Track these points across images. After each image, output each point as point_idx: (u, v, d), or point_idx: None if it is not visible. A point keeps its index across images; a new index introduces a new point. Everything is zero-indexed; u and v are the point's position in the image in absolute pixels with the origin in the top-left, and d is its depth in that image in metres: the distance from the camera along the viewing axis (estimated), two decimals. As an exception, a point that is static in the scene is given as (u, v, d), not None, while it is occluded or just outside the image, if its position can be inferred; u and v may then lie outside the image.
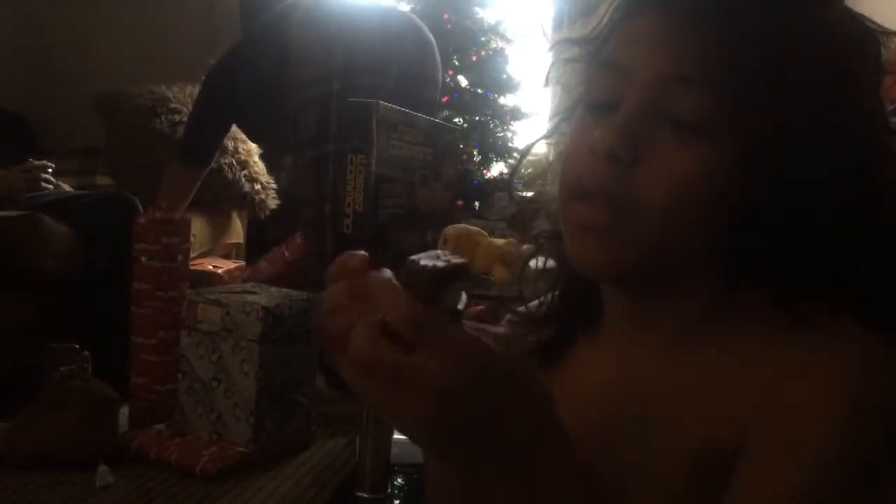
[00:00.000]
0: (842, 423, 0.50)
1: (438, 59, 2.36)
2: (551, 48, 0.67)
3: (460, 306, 0.46)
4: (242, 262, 2.83)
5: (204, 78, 2.45)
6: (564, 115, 0.64)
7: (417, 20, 2.39)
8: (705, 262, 0.58)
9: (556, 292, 0.70)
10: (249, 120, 2.49)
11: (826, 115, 0.54)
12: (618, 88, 0.56)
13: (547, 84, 0.68)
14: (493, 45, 3.69)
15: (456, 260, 0.47)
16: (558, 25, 3.41)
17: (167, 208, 2.16)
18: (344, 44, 2.13)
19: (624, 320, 0.64)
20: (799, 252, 0.54)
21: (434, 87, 2.34)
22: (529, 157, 0.75)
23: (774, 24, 0.53)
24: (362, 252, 0.49)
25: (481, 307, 2.81)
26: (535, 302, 0.72)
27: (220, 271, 2.59)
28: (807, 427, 0.50)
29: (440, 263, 0.46)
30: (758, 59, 0.52)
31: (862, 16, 0.58)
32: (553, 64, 0.66)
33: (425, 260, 0.47)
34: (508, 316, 0.74)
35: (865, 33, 0.57)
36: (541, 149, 0.74)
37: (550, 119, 0.68)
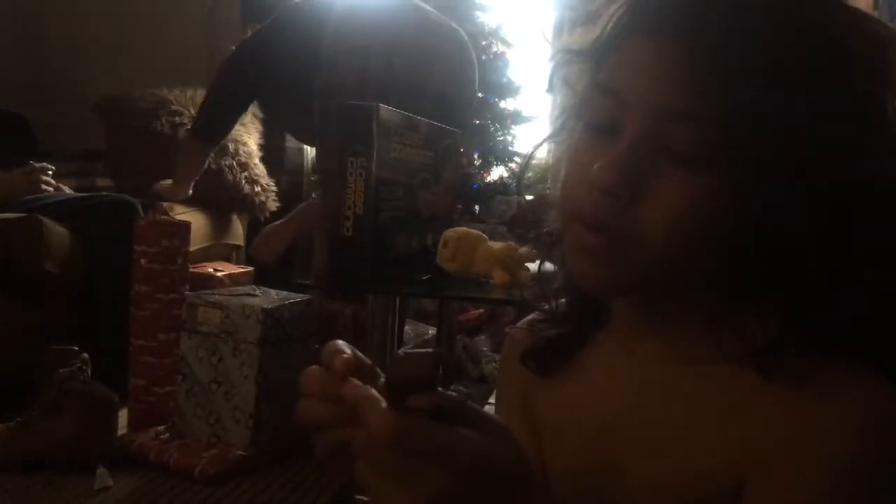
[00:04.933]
0: (844, 473, 0.50)
1: (477, 78, 2.31)
2: (552, 57, 0.66)
3: (443, 400, 0.45)
4: (250, 268, 2.83)
5: (233, 50, 2.41)
6: (569, 114, 0.64)
7: (462, 34, 2.29)
8: (707, 283, 0.58)
9: (567, 292, 0.70)
10: (272, 104, 2.46)
11: (831, 146, 0.52)
12: (617, 114, 0.56)
13: (550, 89, 0.68)
14: (494, 48, 3.69)
15: (430, 360, 0.44)
16: (558, 31, 3.41)
17: (178, 183, 2.17)
18: (383, 59, 2.06)
19: (630, 324, 0.64)
20: (801, 282, 0.53)
21: (467, 108, 2.30)
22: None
23: (775, 51, 0.51)
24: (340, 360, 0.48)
25: (480, 311, 2.80)
26: (554, 303, 0.72)
27: (220, 274, 2.59)
28: (810, 477, 0.51)
29: (413, 368, 0.44)
30: (757, 91, 0.51)
31: (876, 21, 0.57)
32: (555, 68, 0.66)
33: (408, 362, 0.44)
34: (532, 315, 0.74)
35: (878, 44, 0.55)
36: (541, 153, 0.74)
37: (555, 119, 0.67)
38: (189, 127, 2.57)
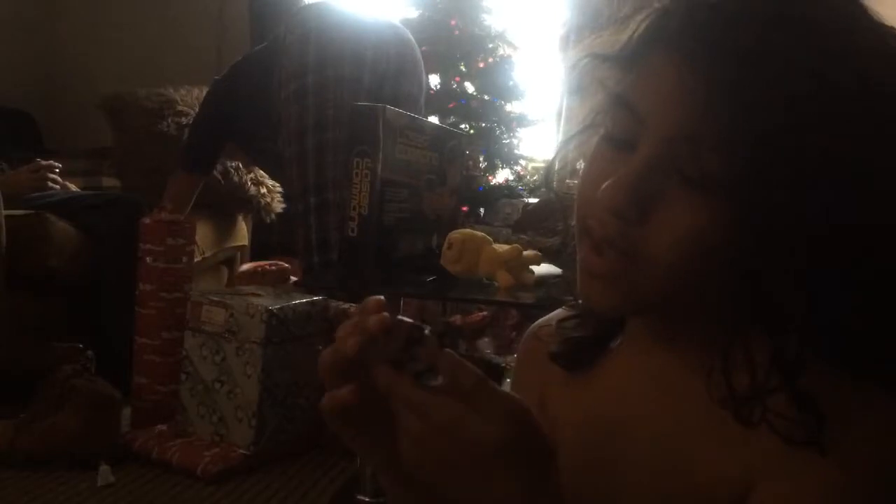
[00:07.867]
0: (845, 492, 0.50)
1: (419, 56, 2.45)
2: (575, 63, 0.65)
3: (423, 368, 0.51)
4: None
5: (206, 93, 2.59)
6: (598, 113, 0.63)
7: (397, 22, 2.49)
8: (713, 305, 0.57)
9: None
10: (245, 137, 2.56)
11: (846, 179, 0.51)
12: (633, 130, 0.55)
13: (573, 93, 0.67)
14: (500, 51, 3.69)
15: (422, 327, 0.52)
16: (566, 37, 3.41)
17: (171, 210, 2.22)
18: (316, 39, 2.24)
19: (645, 333, 0.64)
20: (806, 306, 0.53)
21: (415, 82, 2.41)
22: (535, 164, 0.74)
23: (792, 82, 0.50)
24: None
25: (484, 313, 2.80)
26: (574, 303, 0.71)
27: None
28: (811, 495, 0.51)
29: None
30: (772, 121, 0.50)
31: None
32: (582, 72, 0.65)
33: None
34: (560, 310, 0.74)
35: None
36: (547, 154, 0.73)
37: (583, 119, 0.66)
38: (179, 160, 2.63)
